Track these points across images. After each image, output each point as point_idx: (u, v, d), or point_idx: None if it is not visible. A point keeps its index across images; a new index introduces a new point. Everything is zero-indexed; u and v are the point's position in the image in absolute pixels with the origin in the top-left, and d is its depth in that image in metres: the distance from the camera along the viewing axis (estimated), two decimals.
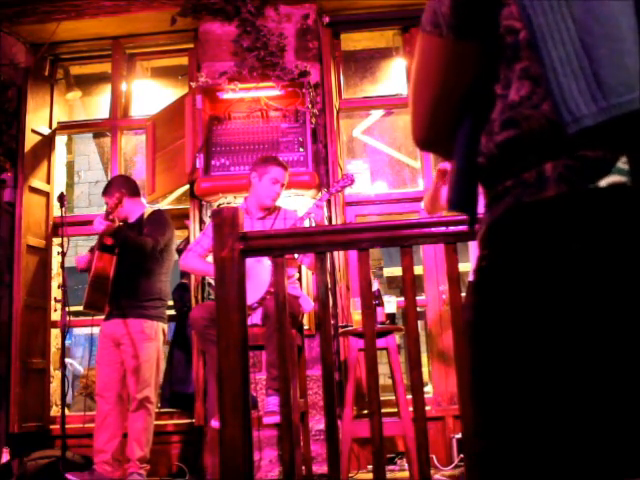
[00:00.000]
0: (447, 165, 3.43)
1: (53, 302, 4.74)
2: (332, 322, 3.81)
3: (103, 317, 4.04)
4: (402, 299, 3.05)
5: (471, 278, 3.05)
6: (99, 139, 8.08)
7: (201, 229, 4.49)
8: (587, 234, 0.73)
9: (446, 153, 0.98)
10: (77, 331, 9.21)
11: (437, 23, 0.85)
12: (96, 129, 6.35)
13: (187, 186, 4.72)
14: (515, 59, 0.81)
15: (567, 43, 0.73)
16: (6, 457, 4.15)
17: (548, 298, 0.74)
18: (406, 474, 3.85)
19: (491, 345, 0.79)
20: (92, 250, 4.09)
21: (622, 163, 0.74)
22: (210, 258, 3.61)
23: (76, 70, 5.67)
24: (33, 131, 4.98)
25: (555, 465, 0.73)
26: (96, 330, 4.14)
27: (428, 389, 5.11)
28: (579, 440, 0.72)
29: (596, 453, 0.71)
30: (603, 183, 0.74)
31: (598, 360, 0.71)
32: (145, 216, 4.09)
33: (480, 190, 0.92)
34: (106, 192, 4.07)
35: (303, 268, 4.16)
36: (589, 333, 0.72)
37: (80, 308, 4.18)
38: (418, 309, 2.60)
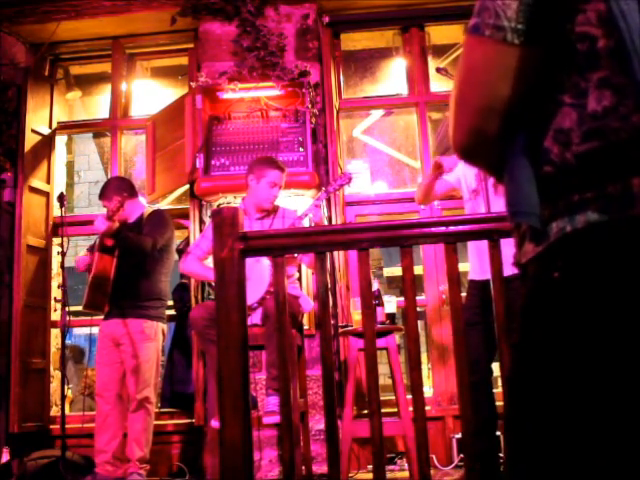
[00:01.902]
0: (444, 159, 3.43)
1: (53, 302, 4.74)
2: (332, 322, 3.81)
3: (102, 317, 4.04)
4: (402, 299, 3.05)
5: (472, 277, 3.02)
6: (99, 139, 8.08)
7: (201, 229, 4.48)
8: None
9: (486, 163, 0.95)
10: (77, 331, 9.20)
11: (500, 26, 0.81)
12: (96, 129, 6.36)
13: (187, 186, 4.72)
14: (591, 67, 0.78)
15: None
16: (6, 457, 4.15)
17: (636, 318, 0.72)
18: (406, 474, 3.85)
19: (572, 362, 0.76)
20: (90, 250, 4.08)
21: None
22: (210, 260, 3.60)
23: (76, 70, 5.67)
24: (33, 131, 4.98)
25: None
26: (95, 330, 4.13)
27: (427, 389, 5.11)
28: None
29: None
30: None
31: None
32: (145, 216, 4.09)
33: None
34: (104, 196, 4.01)
35: (303, 268, 4.15)
36: None
37: (80, 308, 4.18)
38: (418, 309, 2.60)
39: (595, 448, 0.73)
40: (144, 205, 4.25)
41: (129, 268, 3.92)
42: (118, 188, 4.01)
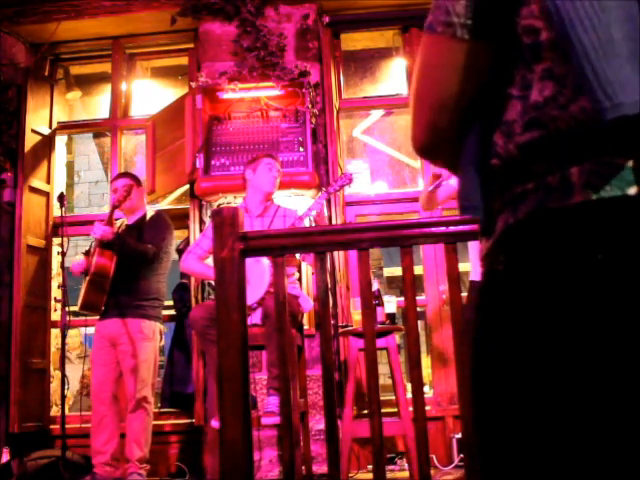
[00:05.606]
0: (441, 170, 3.45)
1: (53, 302, 4.74)
2: (332, 322, 3.81)
3: (97, 317, 4.03)
4: (402, 299, 3.05)
5: (473, 277, 3.03)
6: (99, 139, 8.08)
7: (201, 229, 4.49)
8: (613, 244, 0.71)
9: (446, 160, 0.95)
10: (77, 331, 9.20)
11: (450, 23, 0.82)
12: (96, 129, 6.36)
13: (187, 186, 4.72)
14: (535, 60, 0.78)
15: (599, 28, 0.71)
16: (6, 457, 4.15)
17: (569, 307, 0.72)
18: (406, 474, 3.85)
19: (508, 353, 0.76)
20: (87, 253, 4.08)
21: None
22: (210, 260, 3.61)
23: (76, 70, 5.67)
24: (33, 131, 4.98)
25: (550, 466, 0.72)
26: (90, 330, 4.12)
27: (427, 389, 5.11)
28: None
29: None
30: (632, 191, 0.71)
31: (617, 373, 0.69)
32: (147, 218, 4.09)
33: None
34: (120, 178, 4.16)
35: (303, 268, 4.15)
36: (609, 347, 0.70)
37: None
38: (418, 309, 2.60)
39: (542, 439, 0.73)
40: (146, 206, 4.25)
41: (130, 264, 3.90)
42: (133, 177, 4.18)
